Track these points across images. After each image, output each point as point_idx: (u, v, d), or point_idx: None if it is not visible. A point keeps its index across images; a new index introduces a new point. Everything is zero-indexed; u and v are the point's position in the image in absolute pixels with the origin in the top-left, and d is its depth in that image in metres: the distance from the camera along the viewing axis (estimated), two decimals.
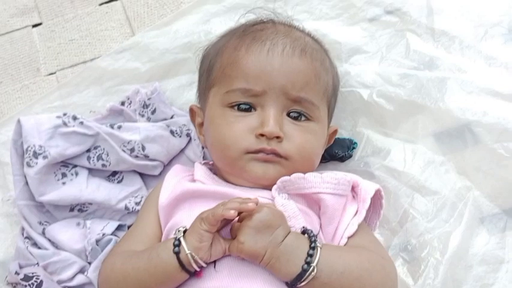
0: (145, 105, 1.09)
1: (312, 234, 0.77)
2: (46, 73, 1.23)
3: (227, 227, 0.79)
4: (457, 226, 0.89)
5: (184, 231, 0.78)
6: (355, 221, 0.84)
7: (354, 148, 1.02)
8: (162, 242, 0.83)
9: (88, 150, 1.00)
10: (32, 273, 0.90)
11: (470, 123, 0.96)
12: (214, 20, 1.17)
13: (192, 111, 1.00)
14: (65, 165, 0.99)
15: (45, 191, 0.96)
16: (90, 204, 0.99)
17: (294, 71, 0.87)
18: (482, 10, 1.08)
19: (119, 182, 1.04)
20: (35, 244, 0.98)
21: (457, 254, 0.87)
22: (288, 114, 0.88)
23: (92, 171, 1.02)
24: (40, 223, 0.99)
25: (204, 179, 0.91)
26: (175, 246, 0.76)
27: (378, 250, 0.84)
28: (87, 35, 1.25)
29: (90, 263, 0.95)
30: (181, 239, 0.77)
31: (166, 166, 1.06)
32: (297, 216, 0.82)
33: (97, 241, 0.95)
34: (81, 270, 0.94)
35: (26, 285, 0.88)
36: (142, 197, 1.02)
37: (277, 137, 0.84)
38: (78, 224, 0.99)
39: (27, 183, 0.97)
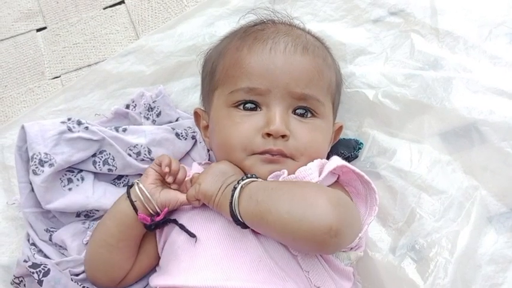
0: (150, 108, 1.09)
1: (245, 177, 0.79)
2: (51, 77, 1.24)
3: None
4: (464, 225, 0.89)
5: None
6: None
7: (359, 148, 1.02)
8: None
9: (94, 155, 1.00)
10: (40, 262, 0.89)
11: (477, 122, 0.96)
12: (219, 23, 1.17)
13: (196, 115, 1.00)
14: (71, 170, 0.99)
15: (51, 199, 0.96)
16: (97, 210, 0.99)
17: (297, 68, 0.87)
18: (486, 10, 1.08)
19: (124, 186, 1.03)
20: (41, 251, 0.98)
21: (466, 254, 0.86)
22: (294, 112, 0.88)
23: (97, 175, 1.02)
24: (47, 230, 0.98)
25: None
26: (128, 189, 0.87)
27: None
28: (92, 39, 1.26)
29: None
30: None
31: None
32: None
33: None
34: None
35: (33, 272, 0.88)
36: None
37: (284, 136, 0.84)
38: (84, 224, 0.99)
39: (32, 190, 0.97)
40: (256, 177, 0.81)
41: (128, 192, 0.88)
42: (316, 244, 0.72)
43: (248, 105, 0.87)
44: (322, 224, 0.70)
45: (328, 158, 0.99)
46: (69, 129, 0.98)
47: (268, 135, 0.84)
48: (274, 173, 0.84)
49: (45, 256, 0.97)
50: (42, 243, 0.98)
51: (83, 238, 0.97)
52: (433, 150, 0.98)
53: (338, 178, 0.88)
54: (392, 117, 1.02)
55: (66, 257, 0.96)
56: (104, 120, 1.10)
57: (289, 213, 0.71)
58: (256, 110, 0.87)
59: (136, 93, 1.12)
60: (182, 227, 0.84)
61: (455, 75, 1.01)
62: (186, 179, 0.91)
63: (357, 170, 0.84)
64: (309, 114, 0.88)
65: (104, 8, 1.29)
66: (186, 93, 1.13)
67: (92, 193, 0.98)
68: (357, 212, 0.81)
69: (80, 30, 1.27)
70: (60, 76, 1.23)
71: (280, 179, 0.83)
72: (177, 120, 1.10)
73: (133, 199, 0.87)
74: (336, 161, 0.85)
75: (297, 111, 0.88)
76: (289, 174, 0.84)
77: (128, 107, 1.12)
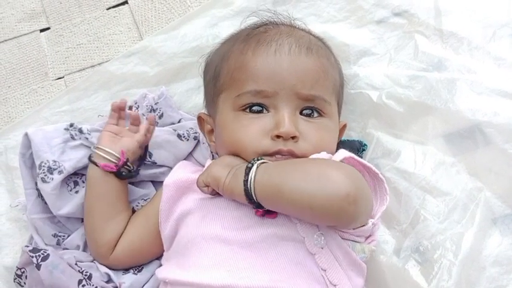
0: (152, 110, 1.09)
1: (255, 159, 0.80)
2: (54, 77, 1.24)
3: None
4: (469, 227, 0.89)
5: None
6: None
7: (363, 150, 1.02)
8: None
9: None
10: (41, 248, 0.90)
11: (481, 123, 0.96)
12: (222, 24, 1.17)
13: (200, 119, 1.00)
14: (75, 173, 0.99)
15: (61, 205, 0.97)
16: None
17: (303, 69, 0.87)
18: (490, 11, 1.07)
19: (131, 185, 1.03)
20: None
21: (470, 256, 0.86)
22: (301, 112, 0.88)
23: None
24: (55, 235, 0.99)
25: None
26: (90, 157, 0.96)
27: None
28: (95, 40, 1.26)
29: None
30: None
31: None
32: None
33: None
34: None
35: (32, 257, 0.87)
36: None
37: (293, 137, 0.84)
38: None
39: (39, 195, 0.97)
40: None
41: (90, 158, 0.96)
42: (335, 212, 0.73)
43: (255, 108, 0.87)
44: (340, 190, 0.72)
45: None
46: (72, 137, 0.99)
47: (278, 137, 0.84)
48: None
49: None
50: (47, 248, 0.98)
51: None
52: (437, 151, 0.97)
53: None
54: (396, 119, 1.02)
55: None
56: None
57: (306, 181, 0.73)
58: (263, 113, 0.87)
59: (139, 95, 1.12)
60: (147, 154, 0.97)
61: (459, 76, 1.01)
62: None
63: (364, 162, 0.84)
64: (316, 114, 0.88)
65: (107, 9, 1.29)
66: (190, 94, 1.13)
67: None
68: (369, 189, 0.82)
69: (84, 31, 1.27)
70: (63, 77, 1.23)
71: None
72: (179, 121, 1.09)
73: (96, 160, 0.94)
74: (343, 153, 0.85)
75: (304, 111, 0.88)
76: None
77: (130, 108, 1.11)
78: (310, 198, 0.73)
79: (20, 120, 1.16)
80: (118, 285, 0.93)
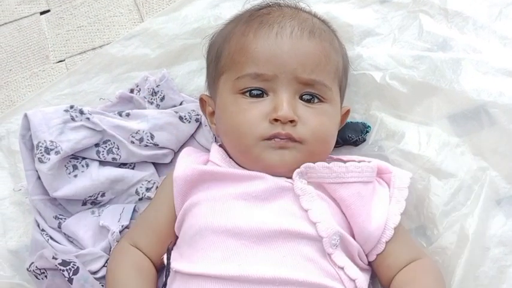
0: (154, 93, 1.09)
1: None
2: (55, 60, 1.23)
3: None
4: (473, 208, 0.88)
5: None
6: (396, 211, 0.86)
7: (367, 132, 1.01)
8: None
9: (97, 145, 1.00)
10: (69, 259, 0.90)
11: (486, 104, 0.95)
12: (224, 5, 1.16)
13: (202, 101, 0.99)
14: (75, 157, 0.99)
15: (58, 186, 0.96)
16: (103, 196, 1.00)
17: (304, 53, 0.86)
18: None
19: (132, 168, 1.04)
20: (52, 238, 0.98)
21: (474, 236, 0.86)
22: (301, 97, 0.87)
23: (101, 162, 1.02)
24: (56, 217, 0.99)
25: (219, 162, 0.91)
26: None
27: (419, 248, 0.88)
28: (96, 22, 1.25)
29: None
30: None
31: (177, 153, 1.06)
32: (316, 201, 0.83)
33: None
34: (106, 264, 0.94)
35: (63, 270, 0.88)
36: (154, 183, 1.02)
37: (292, 121, 0.84)
38: (93, 212, 1.00)
39: (39, 177, 0.97)
40: None
41: None
42: None
43: (254, 92, 0.87)
44: None
45: (336, 143, 0.99)
46: (72, 119, 0.98)
47: (276, 120, 0.83)
48: (304, 166, 0.84)
49: (57, 242, 0.97)
50: (51, 230, 0.98)
51: (95, 228, 0.97)
52: (441, 132, 0.97)
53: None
54: (400, 100, 1.01)
55: (76, 245, 0.97)
56: (109, 105, 1.09)
57: None
58: (262, 97, 0.87)
59: (140, 78, 1.12)
60: None
61: (464, 56, 1.00)
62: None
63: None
64: (316, 100, 0.88)
65: None
66: (192, 77, 1.13)
67: (98, 176, 0.98)
68: None
69: (84, 13, 1.26)
70: (64, 60, 1.23)
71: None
72: (181, 103, 1.09)
73: None
74: (405, 173, 0.91)
75: (304, 96, 0.87)
76: (301, 160, 0.84)
77: (132, 91, 1.12)
78: None
79: (22, 104, 1.15)
80: None
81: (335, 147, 1.00)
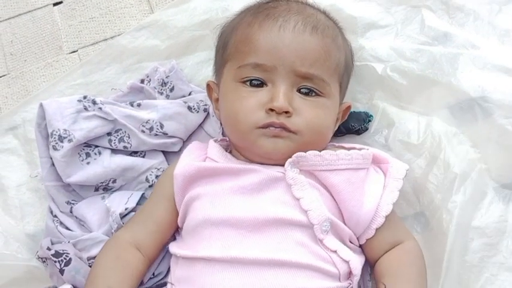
0: (163, 83, 1.11)
1: None
2: (68, 51, 1.26)
3: None
4: (466, 198, 0.90)
5: None
6: (389, 200, 0.88)
7: (369, 121, 1.04)
8: None
9: (109, 134, 1.04)
10: (63, 251, 0.93)
11: (481, 98, 0.97)
12: None
13: (208, 87, 1.02)
14: (88, 146, 1.03)
15: (71, 173, 1.00)
16: (114, 182, 1.03)
17: (304, 47, 0.88)
18: None
19: (142, 158, 1.07)
20: (63, 223, 1.02)
21: (463, 225, 0.88)
22: (299, 91, 0.89)
23: (114, 150, 1.05)
24: (68, 202, 1.03)
25: (216, 157, 0.94)
26: None
27: (406, 231, 0.91)
28: (107, 13, 1.27)
29: None
30: None
31: (186, 142, 1.09)
32: (307, 190, 0.86)
33: (121, 215, 0.98)
34: None
35: (55, 261, 0.92)
36: (163, 171, 1.05)
37: (287, 112, 0.86)
38: (103, 197, 1.03)
39: (53, 164, 1.01)
40: None
41: None
42: None
43: (254, 82, 0.89)
44: None
45: (338, 132, 1.02)
46: (85, 109, 1.02)
47: (272, 110, 0.86)
48: (295, 155, 0.87)
49: (67, 228, 1.01)
50: (63, 216, 1.02)
51: (102, 212, 1.01)
52: (441, 123, 0.98)
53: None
54: (401, 90, 1.03)
55: (86, 229, 1.01)
56: (120, 95, 1.13)
57: None
58: (262, 87, 0.89)
59: (150, 68, 1.14)
60: None
61: (463, 51, 1.01)
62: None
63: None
64: (314, 94, 0.90)
65: None
66: (200, 67, 1.15)
67: (109, 164, 1.02)
68: None
69: (95, 4, 1.29)
70: (77, 50, 1.25)
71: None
72: (190, 94, 1.12)
73: None
74: (402, 165, 0.92)
75: (302, 90, 0.89)
76: (295, 150, 0.87)
77: (142, 81, 1.15)
78: None
79: (37, 94, 1.19)
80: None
81: (338, 136, 1.03)
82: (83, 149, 1.02)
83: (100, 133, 1.02)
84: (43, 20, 1.29)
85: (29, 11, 1.30)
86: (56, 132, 0.99)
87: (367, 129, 1.04)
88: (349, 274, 0.86)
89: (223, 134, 1.07)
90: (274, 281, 0.80)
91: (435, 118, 1.00)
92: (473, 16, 1.05)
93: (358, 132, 1.04)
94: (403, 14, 1.09)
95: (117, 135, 1.04)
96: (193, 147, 1.01)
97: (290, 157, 0.87)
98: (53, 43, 1.27)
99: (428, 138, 0.98)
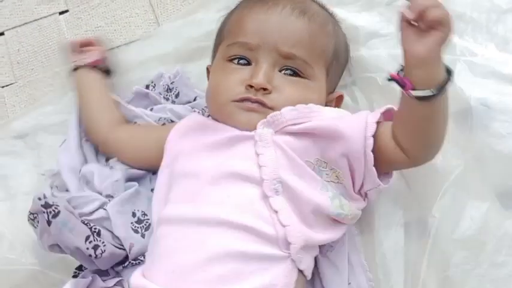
0: (168, 89, 1.14)
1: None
2: None
3: None
4: (452, 206, 0.91)
5: None
6: (371, 119, 0.86)
7: None
8: None
9: None
10: (53, 202, 0.91)
11: (479, 105, 0.97)
12: None
13: (208, 71, 1.05)
14: None
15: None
16: None
17: (288, 29, 0.92)
18: None
19: None
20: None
21: (445, 234, 0.90)
22: (282, 71, 0.92)
23: None
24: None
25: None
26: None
27: None
28: (113, 22, 1.29)
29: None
30: None
31: None
32: (270, 147, 0.86)
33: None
34: (101, 206, 0.97)
35: (44, 212, 0.90)
36: None
37: (265, 89, 0.89)
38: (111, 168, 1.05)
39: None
40: None
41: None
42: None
43: (242, 61, 0.94)
44: None
45: None
46: None
47: (251, 87, 0.89)
48: (270, 115, 0.88)
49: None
50: (68, 176, 1.04)
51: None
52: None
53: None
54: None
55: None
56: (125, 101, 1.14)
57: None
58: (248, 66, 0.93)
59: (155, 74, 1.16)
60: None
61: (460, 58, 1.03)
62: None
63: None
64: (296, 75, 0.92)
65: None
66: (205, 76, 1.13)
67: None
68: None
69: (101, 14, 1.30)
70: None
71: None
72: (195, 99, 1.14)
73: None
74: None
75: (285, 70, 0.92)
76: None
77: (147, 87, 1.17)
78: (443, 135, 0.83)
79: (44, 102, 1.21)
80: (128, 246, 0.95)
81: None
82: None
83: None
84: (49, 29, 1.31)
85: (35, 20, 1.32)
86: None
87: None
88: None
89: None
90: (214, 241, 0.81)
91: None
92: (472, 24, 1.07)
93: None
94: None
95: None
96: (193, 116, 1.04)
97: None
98: (60, 52, 1.27)
99: None
